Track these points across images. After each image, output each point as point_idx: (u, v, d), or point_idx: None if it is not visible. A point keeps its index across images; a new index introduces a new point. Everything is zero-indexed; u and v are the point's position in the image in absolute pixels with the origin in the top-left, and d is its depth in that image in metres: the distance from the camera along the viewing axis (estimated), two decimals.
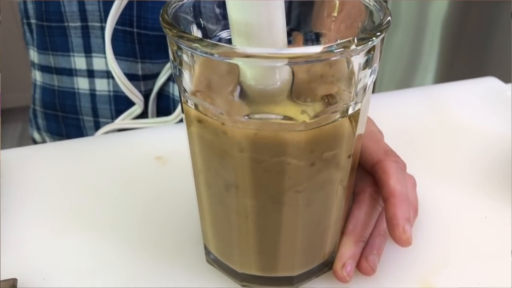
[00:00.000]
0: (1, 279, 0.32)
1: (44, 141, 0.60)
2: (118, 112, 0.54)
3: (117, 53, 0.48)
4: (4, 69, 1.69)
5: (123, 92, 0.52)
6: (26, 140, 1.71)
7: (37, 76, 0.57)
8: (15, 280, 0.31)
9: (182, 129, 0.48)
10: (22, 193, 0.40)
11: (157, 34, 0.50)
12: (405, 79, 1.39)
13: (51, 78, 0.55)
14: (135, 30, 0.50)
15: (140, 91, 0.52)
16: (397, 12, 1.29)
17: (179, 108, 0.49)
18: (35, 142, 0.62)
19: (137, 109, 0.52)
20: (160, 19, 0.24)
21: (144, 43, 0.51)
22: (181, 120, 0.50)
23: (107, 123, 0.54)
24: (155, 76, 0.53)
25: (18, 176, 0.42)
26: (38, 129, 0.60)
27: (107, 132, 0.53)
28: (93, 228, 0.37)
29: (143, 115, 0.54)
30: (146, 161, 0.43)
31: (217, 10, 0.28)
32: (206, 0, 0.28)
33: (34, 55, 0.56)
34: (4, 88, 1.72)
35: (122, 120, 0.53)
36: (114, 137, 0.48)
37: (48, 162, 0.44)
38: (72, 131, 0.57)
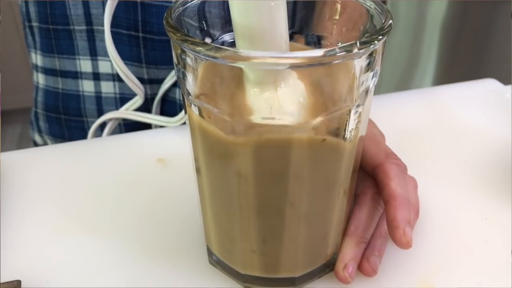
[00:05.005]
0: (5, 281, 0.32)
1: (45, 144, 0.60)
2: None
3: (122, 57, 0.48)
4: (4, 70, 1.69)
5: (129, 94, 0.53)
6: (25, 142, 1.71)
7: (40, 79, 0.57)
8: (19, 282, 0.32)
9: (184, 131, 0.48)
10: (24, 195, 0.40)
11: (163, 38, 0.50)
12: (403, 81, 1.39)
13: (55, 81, 0.55)
14: (140, 34, 0.50)
15: (146, 95, 0.52)
16: (395, 13, 1.29)
17: (183, 112, 0.49)
18: (36, 144, 0.62)
19: (138, 100, 0.52)
20: (164, 22, 0.25)
21: (149, 48, 0.51)
22: (183, 123, 0.50)
23: (113, 124, 0.54)
24: (161, 81, 0.53)
25: (19, 178, 0.42)
26: (40, 131, 0.60)
27: (109, 120, 0.53)
28: (96, 230, 0.37)
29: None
30: (148, 163, 0.44)
31: (221, 13, 0.28)
32: (210, 2, 0.28)
33: (37, 58, 0.56)
34: (4, 89, 1.72)
35: (126, 111, 0.53)
36: (115, 139, 0.49)
37: (49, 164, 0.44)
38: (75, 133, 0.57)
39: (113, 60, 0.47)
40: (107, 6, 0.45)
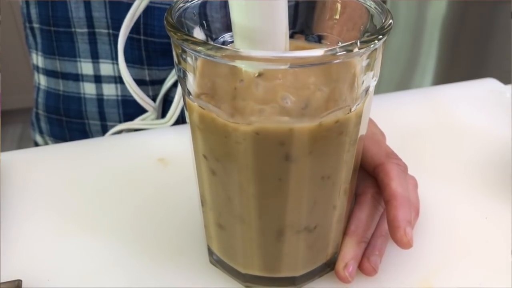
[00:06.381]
0: (6, 280, 0.32)
1: (46, 145, 0.60)
2: (126, 116, 0.54)
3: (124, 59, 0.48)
4: (4, 70, 1.69)
5: (131, 96, 0.53)
6: (25, 142, 1.71)
7: (41, 80, 0.57)
8: (19, 281, 0.32)
9: (184, 131, 0.48)
10: (25, 195, 0.40)
11: (164, 41, 0.50)
12: (403, 81, 1.39)
13: (57, 83, 0.55)
14: (142, 37, 0.50)
15: (148, 96, 0.53)
16: (395, 13, 1.29)
17: (171, 111, 0.49)
18: (37, 145, 0.62)
19: (150, 115, 0.53)
20: (165, 22, 0.25)
21: (150, 50, 0.51)
22: (176, 123, 0.50)
23: (115, 126, 0.54)
24: (163, 81, 0.53)
25: (20, 178, 0.42)
26: (41, 132, 0.60)
27: (111, 122, 0.53)
28: (97, 229, 0.37)
29: None
30: (148, 163, 0.44)
31: (221, 13, 0.28)
32: (211, 2, 0.28)
33: (38, 59, 0.56)
34: (4, 89, 1.73)
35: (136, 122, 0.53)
36: (116, 139, 0.49)
37: (50, 164, 0.44)
38: (76, 135, 0.57)
39: (127, 83, 0.48)
40: (123, 26, 0.45)
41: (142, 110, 0.53)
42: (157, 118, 0.54)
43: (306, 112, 0.24)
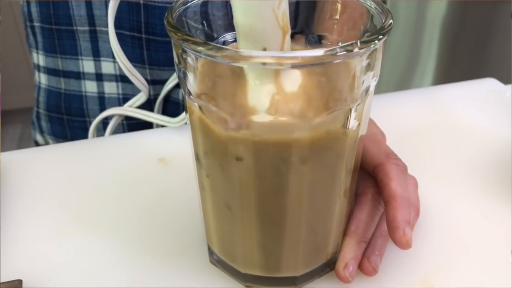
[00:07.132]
0: (7, 280, 0.32)
1: (47, 144, 0.60)
2: None
3: None
4: (4, 70, 1.69)
5: (132, 95, 0.53)
6: (25, 142, 1.72)
7: (42, 79, 0.57)
8: (20, 281, 0.32)
9: (185, 131, 0.48)
10: (25, 195, 0.40)
11: (165, 40, 0.50)
12: (403, 80, 1.39)
13: (58, 81, 0.56)
14: (143, 36, 0.50)
15: (149, 96, 0.52)
16: (395, 13, 1.29)
17: (184, 113, 0.49)
18: (37, 144, 0.62)
19: (142, 96, 0.52)
20: (165, 22, 0.25)
21: (152, 49, 0.51)
22: (184, 124, 0.50)
23: (116, 120, 0.54)
24: (164, 82, 0.53)
25: (20, 178, 0.42)
26: (42, 132, 0.60)
27: (110, 116, 0.53)
28: (97, 229, 0.37)
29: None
30: (148, 162, 0.44)
31: (222, 13, 0.28)
32: (211, 2, 0.28)
33: (39, 58, 0.56)
34: (4, 89, 1.73)
35: (127, 108, 0.53)
36: (116, 139, 0.49)
37: (50, 164, 0.44)
38: (77, 133, 0.57)
39: (116, 56, 0.47)
40: (111, 1, 0.45)
41: (143, 107, 0.53)
42: (152, 107, 0.53)
43: (306, 111, 0.24)
